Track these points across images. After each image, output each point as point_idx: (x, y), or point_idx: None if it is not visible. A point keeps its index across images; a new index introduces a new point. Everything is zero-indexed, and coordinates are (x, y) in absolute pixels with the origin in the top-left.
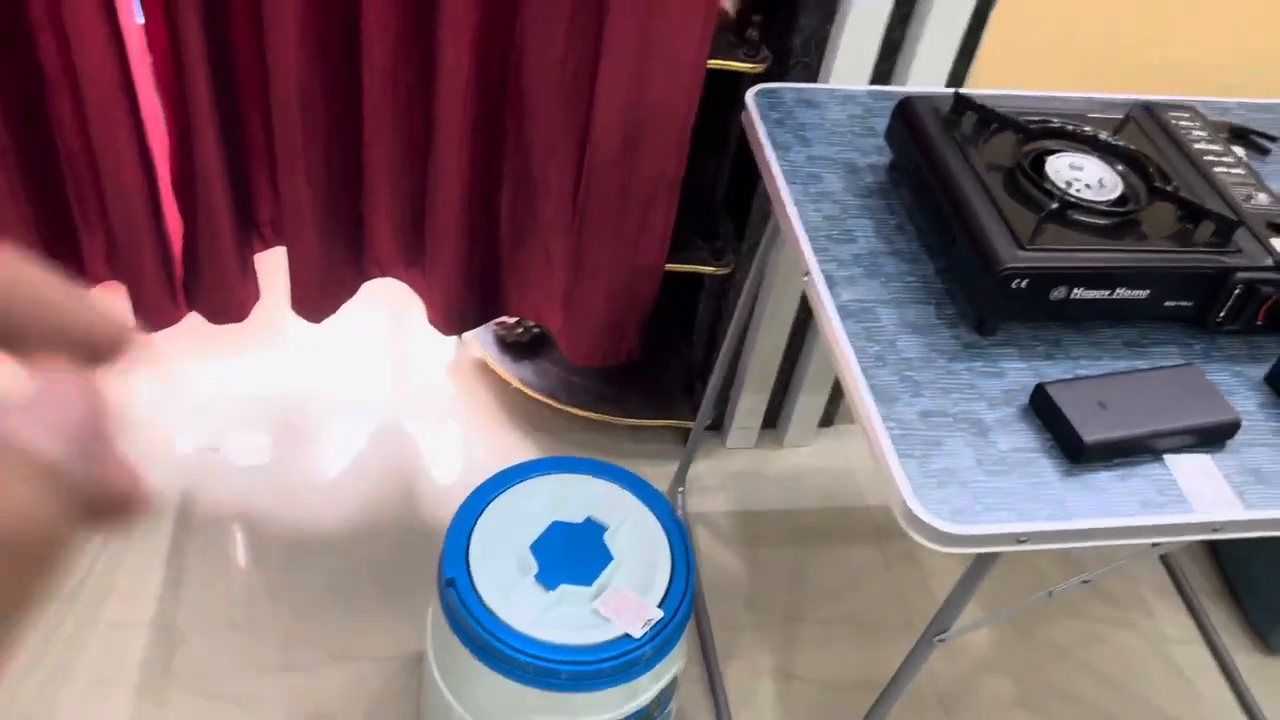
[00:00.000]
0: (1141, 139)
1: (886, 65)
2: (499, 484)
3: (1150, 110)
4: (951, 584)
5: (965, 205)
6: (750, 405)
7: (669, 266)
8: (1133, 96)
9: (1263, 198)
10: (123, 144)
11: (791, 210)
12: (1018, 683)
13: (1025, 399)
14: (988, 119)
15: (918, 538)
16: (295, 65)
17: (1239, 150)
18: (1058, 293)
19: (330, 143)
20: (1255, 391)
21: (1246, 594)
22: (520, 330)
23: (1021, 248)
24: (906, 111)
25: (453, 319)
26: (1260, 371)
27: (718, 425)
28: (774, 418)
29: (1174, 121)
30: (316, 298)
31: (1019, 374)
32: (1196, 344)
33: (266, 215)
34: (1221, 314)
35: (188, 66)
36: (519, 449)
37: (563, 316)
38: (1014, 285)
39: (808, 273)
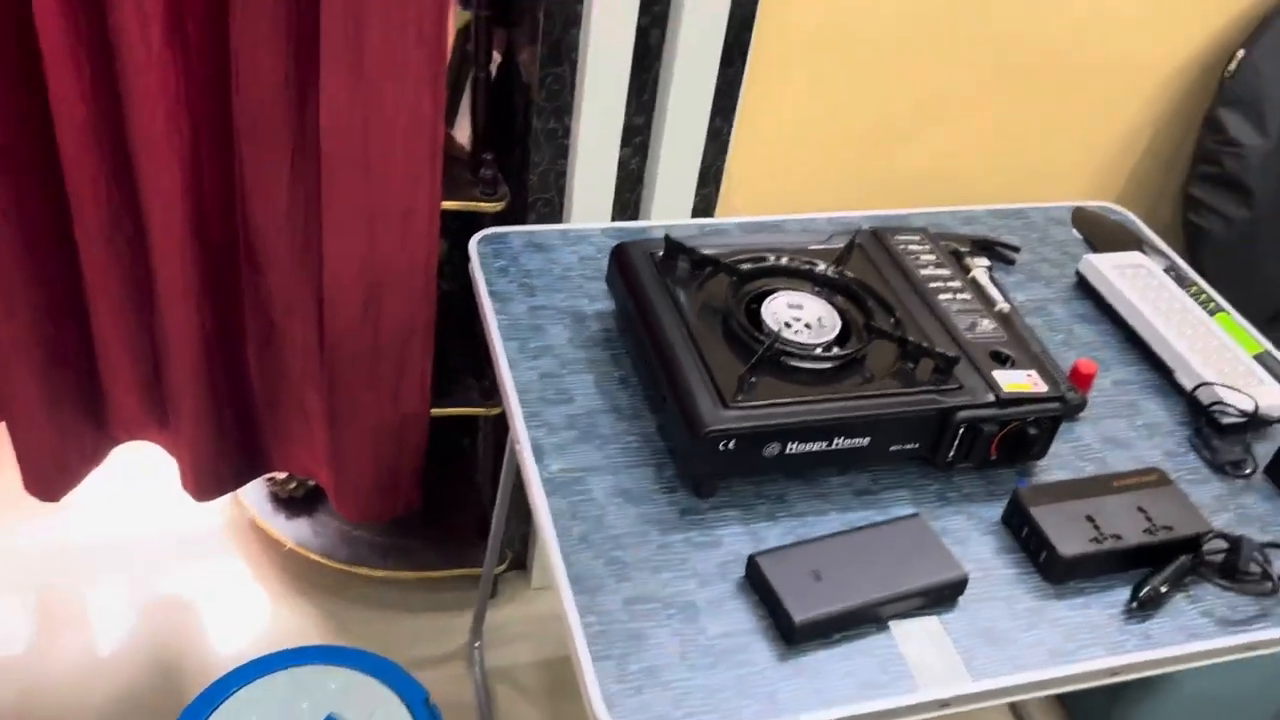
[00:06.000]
0: (866, 268)
1: (630, 197)
2: (228, 685)
3: (878, 235)
4: None
5: (671, 360)
6: None
7: (437, 411)
8: (876, 213)
9: (987, 324)
10: None
11: (505, 372)
12: None
13: (742, 570)
14: (701, 262)
15: None
16: None
17: (982, 261)
18: (771, 449)
19: (48, 309)
20: (991, 535)
21: None
22: (294, 485)
23: (726, 406)
24: (621, 258)
25: (206, 483)
26: (996, 511)
27: (521, 564)
28: None
29: (901, 246)
30: (51, 474)
31: (736, 541)
32: (931, 485)
33: None
34: (951, 454)
35: None
36: (296, 616)
37: (330, 472)
38: (721, 447)
39: (517, 440)
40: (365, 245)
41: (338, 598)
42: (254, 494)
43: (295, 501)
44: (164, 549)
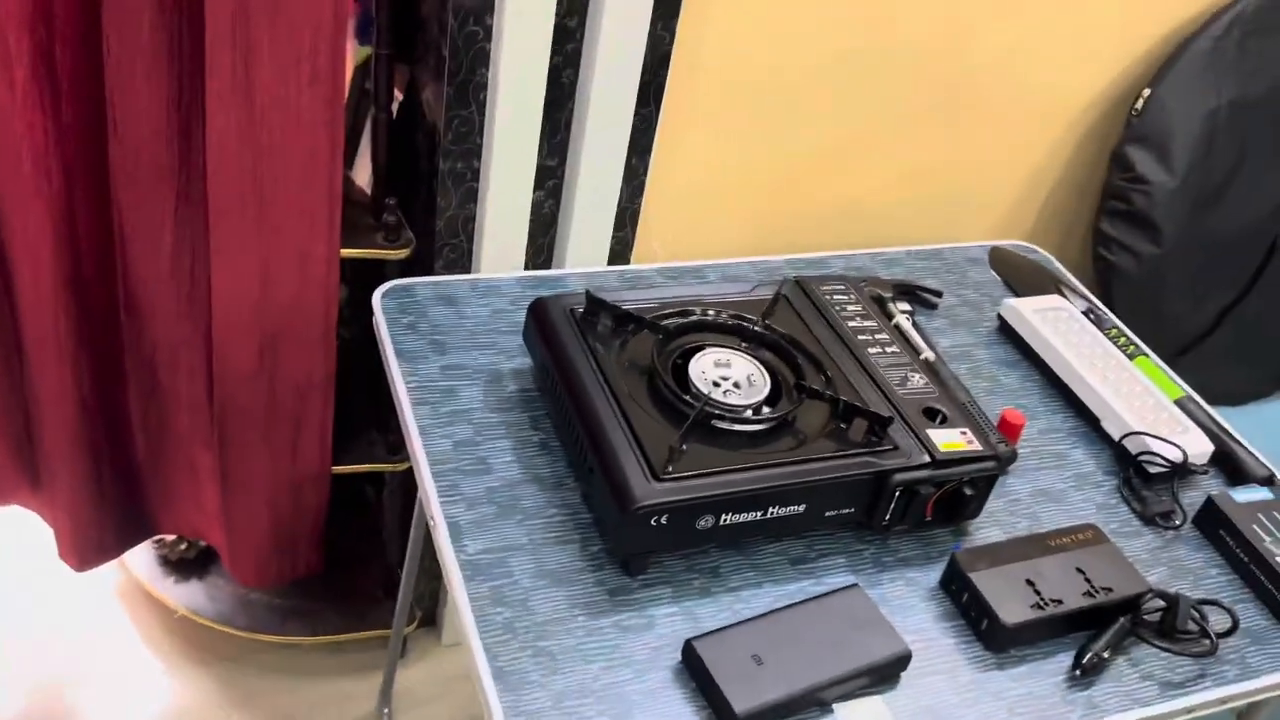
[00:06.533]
0: (793, 321)
1: (544, 240)
2: None
3: (803, 286)
4: None
5: (597, 429)
6: None
7: (338, 469)
8: (796, 256)
9: (917, 378)
10: None
11: (416, 442)
12: None
13: (677, 655)
14: (624, 318)
15: None
16: None
17: (904, 306)
18: (705, 522)
19: None
20: (931, 601)
21: None
22: (184, 546)
23: (657, 478)
24: (538, 315)
25: (86, 551)
26: (934, 575)
27: (431, 620)
28: None
29: (826, 296)
30: None
31: (670, 621)
32: (867, 550)
33: None
34: (887, 517)
35: None
36: (191, 689)
37: (223, 533)
38: (653, 522)
39: (433, 518)
40: (258, 294)
41: (235, 665)
42: (141, 556)
43: (186, 564)
44: (44, 617)
